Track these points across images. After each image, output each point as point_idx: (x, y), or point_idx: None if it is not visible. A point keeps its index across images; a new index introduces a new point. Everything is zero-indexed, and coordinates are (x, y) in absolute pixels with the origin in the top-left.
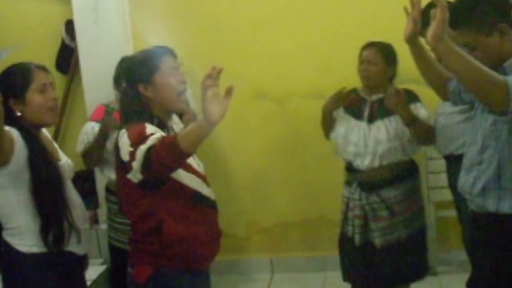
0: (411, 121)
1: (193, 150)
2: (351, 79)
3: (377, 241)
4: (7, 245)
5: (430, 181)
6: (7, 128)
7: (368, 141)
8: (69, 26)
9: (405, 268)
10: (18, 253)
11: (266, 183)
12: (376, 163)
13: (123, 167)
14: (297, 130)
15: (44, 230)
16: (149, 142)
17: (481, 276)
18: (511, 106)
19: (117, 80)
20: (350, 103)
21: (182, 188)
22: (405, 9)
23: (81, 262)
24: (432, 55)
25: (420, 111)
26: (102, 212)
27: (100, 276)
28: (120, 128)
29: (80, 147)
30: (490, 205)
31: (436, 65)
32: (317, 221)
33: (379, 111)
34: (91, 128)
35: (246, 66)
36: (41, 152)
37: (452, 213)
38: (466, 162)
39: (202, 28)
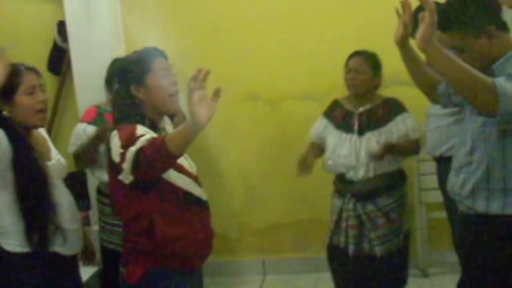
0: (401, 153)
1: (181, 152)
2: (342, 82)
3: (378, 249)
4: None
5: (421, 182)
6: None
7: (360, 153)
8: (61, 27)
9: (398, 273)
10: (3, 252)
11: (258, 184)
12: (371, 174)
13: (114, 168)
14: (288, 132)
15: (28, 230)
16: (139, 143)
17: (471, 277)
18: (500, 107)
19: (108, 82)
20: (337, 118)
21: (173, 189)
22: (397, 11)
23: (70, 262)
24: (422, 57)
25: (406, 122)
26: (94, 213)
27: (92, 277)
28: (112, 129)
29: (71, 148)
30: (480, 206)
31: (426, 68)
32: (309, 223)
33: (368, 123)
34: (83, 130)
35: (238, 68)
36: (26, 153)
37: (443, 214)
38: (455, 163)
39: (194, 30)
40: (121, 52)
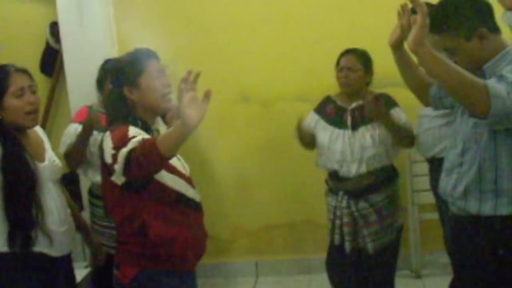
0: (393, 127)
1: (172, 153)
2: (335, 82)
3: (370, 246)
4: None
5: (414, 184)
6: None
7: (354, 148)
8: (54, 28)
9: (390, 269)
10: None
11: (251, 186)
12: (363, 169)
13: (107, 170)
14: (282, 133)
15: (12, 231)
16: (130, 145)
17: (463, 279)
18: (491, 109)
19: (99, 82)
20: (329, 114)
21: (165, 190)
22: (399, 13)
23: (59, 263)
24: (415, 60)
25: (400, 115)
26: (87, 215)
27: (84, 279)
28: (105, 131)
29: (62, 148)
30: (472, 207)
31: (418, 70)
32: (302, 224)
33: (362, 118)
34: (74, 130)
35: (231, 69)
36: (15, 154)
37: (435, 215)
38: (446, 164)
39: (187, 31)
40: (114, 53)
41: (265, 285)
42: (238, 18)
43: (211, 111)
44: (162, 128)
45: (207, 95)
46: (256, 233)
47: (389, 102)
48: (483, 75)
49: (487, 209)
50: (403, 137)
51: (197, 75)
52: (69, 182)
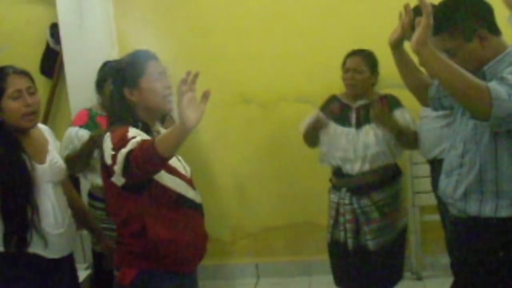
0: (397, 130)
1: (170, 154)
2: (337, 84)
3: (370, 244)
4: None
5: (414, 185)
6: None
7: (357, 146)
8: (54, 29)
9: (393, 270)
10: None
11: (251, 187)
12: (367, 167)
13: (107, 171)
14: (282, 135)
15: (7, 232)
16: (129, 146)
17: (463, 281)
18: (493, 111)
19: (99, 84)
20: (334, 111)
21: (165, 191)
22: (400, 14)
23: (56, 265)
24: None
25: (405, 116)
26: None
27: (84, 280)
28: (105, 132)
29: (64, 152)
30: (472, 209)
31: (417, 71)
32: (302, 226)
33: (366, 117)
34: (75, 133)
35: (231, 70)
36: (11, 156)
37: (436, 217)
38: (446, 166)
39: (187, 33)
40: (114, 54)
41: (266, 286)
42: (238, 20)
43: (211, 112)
44: (162, 129)
45: (205, 96)
46: (257, 234)
47: (394, 103)
48: (483, 77)
49: (488, 210)
50: (407, 139)
51: (196, 75)
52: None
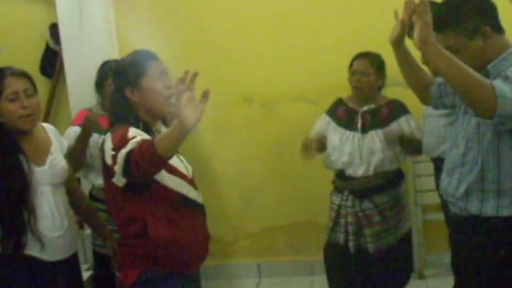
0: (408, 145)
1: (170, 154)
2: (338, 83)
3: (370, 247)
4: None
5: (417, 184)
6: None
7: (363, 151)
8: (54, 29)
9: (395, 273)
10: None
11: (253, 187)
12: (371, 172)
13: (108, 171)
14: (284, 134)
15: (3, 234)
16: (129, 146)
17: (464, 280)
18: (498, 109)
19: (99, 84)
20: (340, 115)
21: (167, 191)
22: (395, 13)
23: (54, 268)
24: (417, 58)
25: (410, 123)
26: None
27: (86, 282)
28: (105, 133)
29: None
30: (473, 207)
31: (419, 69)
32: (304, 225)
33: (372, 122)
34: (74, 132)
35: (232, 70)
36: (8, 158)
37: (439, 216)
38: (447, 164)
39: (188, 32)
40: (114, 54)
41: (268, 286)
42: (239, 19)
43: (212, 112)
44: (164, 129)
45: (205, 95)
46: (258, 234)
47: (401, 109)
48: (487, 75)
49: (489, 209)
50: (412, 148)
51: (195, 75)
52: None
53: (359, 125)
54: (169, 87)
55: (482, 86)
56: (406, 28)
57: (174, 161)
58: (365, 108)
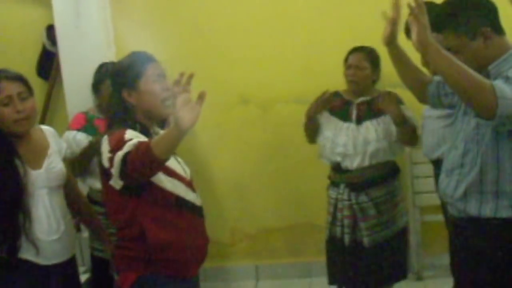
0: (402, 121)
1: (166, 156)
2: (334, 84)
3: (366, 240)
4: None
5: (415, 185)
6: None
7: (357, 141)
8: (50, 31)
9: (390, 267)
10: None
11: (250, 189)
12: (366, 163)
13: (105, 174)
14: (281, 136)
15: None
16: (126, 148)
17: (462, 281)
18: (498, 110)
19: (96, 87)
20: (335, 106)
21: (164, 194)
22: (383, 13)
23: (49, 272)
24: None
25: (406, 112)
26: None
27: (83, 284)
28: (103, 134)
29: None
30: (472, 209)
31: (415, 68)
32: (301, 227)
33: (367, 113)
34: (73, 137)
35: (229, 71)
36: (2, 161)
37: (437, 217)
38: (446, 165)
39: (185, 34)
40: (111, 56)
41: None
42: (236, 20)
43: (209, 114)
44: (161, 132)
45: (201, 97)
46: (256, 236)
47: (397, 100)
48: (487, 76)
49: (488, 211)
50: (409, 132)
51: (190, 76)
52: None
53: (354, 116)
54: (166, 89)
55: (482, 86)
56: (397, 27)
57: (172, 163)
58: (360, 99)
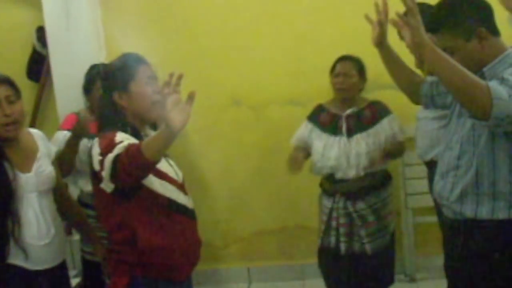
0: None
1: (157, 158)
2: (326, 86)
3: (368, 247)
4: None
5: (407, 187)
6: None
7: (350, 154)
8: (41, 32)
9: (386, 273)
10: None
11: (242, 191)
12: (361, 173)
13: (96, 177)
14: (273, 137)
15: None
16: (116, 150)
17: (457, 283)
18: (493, 111)
19: (86, 88)
20: (324, 122)
21: (155, 197)
22: (366, 16)
23: (39, 277)
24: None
25: (392, 125)
26: None
27: None
28: (94, 137)
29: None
30: (468, 210)
31: (406, 68)
32: (294, 229)
33: (356, 125)
34: (63, 137)
35: (221, 73)
36: None
37: (429, 219)
38: (441, 167)
39: (176, 35)
40: (102, 58)
41: None
42: (228, 22)
43: (201, 115)
44: (152, 133)
45: (191, 98)
46: (248, 238)
47: (383, 110)
48: (482, 77)
49: (484, 212)
50: (398, 154)
51: (180, 77)
52: None
53: (344, 129)
54: (158, 91)
55: (478, 87)
56: (386, 28)
57: (163, 166)
58: (348, 111)
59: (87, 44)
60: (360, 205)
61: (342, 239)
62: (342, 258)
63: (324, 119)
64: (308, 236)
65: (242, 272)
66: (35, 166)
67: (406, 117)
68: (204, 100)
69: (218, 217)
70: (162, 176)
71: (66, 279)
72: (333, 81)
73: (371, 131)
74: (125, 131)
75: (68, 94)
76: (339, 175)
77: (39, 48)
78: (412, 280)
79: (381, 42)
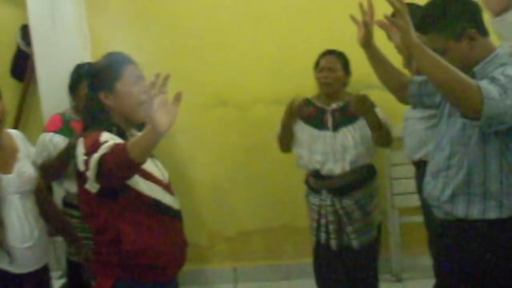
0: (378, 125)
1: (143, 158)
2: (311, 85)
3: (355, 243)
4: None
5: (394, 187)
6: None
7: (336, 148)
8: (25, 31)
9: (374, 269)
10: None
11: (228, 191)
12: (347, 168)
13: (81, 177)
14: (259, 137)
15: None
16: (101, 150)
17: (448, 283)
18: (484, 110)
19: (72, 88)
20: (309, 115)
21: (141, 197)
22: (352, 17)
23: (23, 281)
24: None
25: (380, 115)
26: None
27: None
28: (79, 137)
29: (38, 160)
30: (459, 211)
31: (393, 68)
32: (280, 229)
33: (342, 119)
34: (50, 139)
35: (207, 73)
36: None
37: (416, 218)
38: (432, 167)
39: (162, 35)
40: (87, 57)
41: None
42: (213, 22)
43: (187, 115)
44: (138, 134)
45: (177, 98)
46: (234, 238)
47: (369, 104)
48: (473, 77)
49: (475, 213)
50: (385, 135)
51: (166, 77)
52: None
53: (329, 123)
54: (144, 91)
55: (468, 86)
56: (371, 28)
57: (149, 166)
58: (334, 105)
59: (72, 42)
60: (347, 201)
61: (332, 236)
62: (334, 254)
63: (309, 112)
64: (294, 236)
65: (229, 272)
66: (16, 167)
67: (394, 117)
68: (189, 100)
69: (204, 217)
70: (147, 176)
71: (49, 282)
72: (318, 76)
73: (357, 124)
74: (110, 131)
75: (53, 92)
76: (324, 170)
77: (23, 46)
78: (398, 279)
79: (367, 43)
